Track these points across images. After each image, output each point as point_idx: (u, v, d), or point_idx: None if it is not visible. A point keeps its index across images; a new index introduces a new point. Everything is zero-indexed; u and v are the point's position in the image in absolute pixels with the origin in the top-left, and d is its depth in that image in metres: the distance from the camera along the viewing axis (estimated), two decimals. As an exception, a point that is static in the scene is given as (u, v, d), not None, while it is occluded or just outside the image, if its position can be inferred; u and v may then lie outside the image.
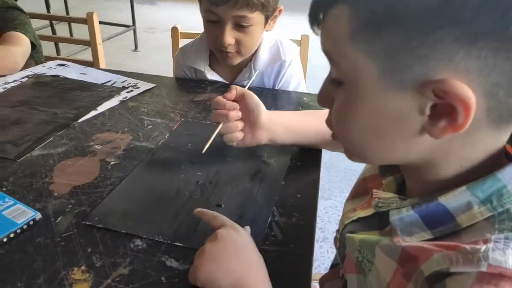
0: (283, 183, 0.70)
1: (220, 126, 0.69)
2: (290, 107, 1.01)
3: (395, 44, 0.33)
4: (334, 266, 0.64)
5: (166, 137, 0.82)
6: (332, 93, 0.41)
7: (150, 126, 0.87)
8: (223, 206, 0.64)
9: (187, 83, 1.11)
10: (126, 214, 0.61)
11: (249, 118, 0.71)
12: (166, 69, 1.24)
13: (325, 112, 0.80)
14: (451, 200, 0.37)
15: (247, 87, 0.74)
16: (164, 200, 0.64)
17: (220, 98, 0.70)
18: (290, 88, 1.12)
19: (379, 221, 0.48)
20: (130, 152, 0.77)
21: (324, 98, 0.43)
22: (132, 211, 0.61)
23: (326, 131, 0.77)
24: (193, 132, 0.85)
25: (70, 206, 0.62)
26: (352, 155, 0.45)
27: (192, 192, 0.67)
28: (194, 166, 0.73)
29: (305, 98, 1.04)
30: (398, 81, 0.34)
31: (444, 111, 0.33)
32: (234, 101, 0.71)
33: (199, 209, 0.56)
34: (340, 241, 0.54)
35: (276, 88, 1.11)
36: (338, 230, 0.57)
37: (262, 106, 0.71)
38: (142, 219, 0.60)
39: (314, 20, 0.40)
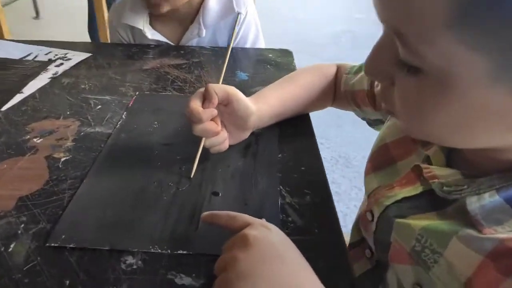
0: (280, 156, 0.60)
1: (203, 141, 0.56)
2: (253, 67, 0.89)
3: None
4: (354, 244, 0.56)
5: (123, 116, 0.67)
6: (393, 73, 0.33)
7: (99, 106, 0.70)
8: (220, 194, 0.53)
9: (129, 49, 0.93)
10: (102, 224, 0.47)
11: (236, 122, 0.59)
12: (80, 39, 1.03)
13: (306, 71, 0.71)
14: None
15: (229, 50, 0.60)
16: (146, 197, 0.51)
17: (199, 109, 0.53)
18: (248, 45, 1.00)
19: (432, 200, 0.41)
20: (82, 142, 0.61)
21: (379, 73, 0.35)
22: (108, 218, 0.48)
23: (307, 100, 0.68)
24: (155, 106, 0.70)
25: (23, 225, 0.47)
26: (417, 137, 0.40)
27: (178, 182, 0.54)
28: (169, 149, 0.60)
29: (270, 55, 0.93)
30: None
31: None
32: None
33: (207, 213, 0.44)
34: (378, 225, 0.46)
35: (232, 46, 0.98)
36: (369, 211, 0.49)
37: (250, 107, 0.58)
38: (125, 227, 0.47)
39: None
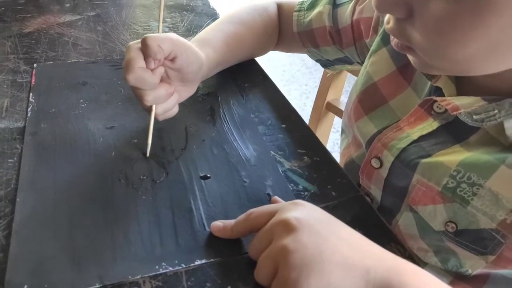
0: (253, 116, 0.51)
1: (154, 108, 0.43)
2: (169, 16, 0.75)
3: None
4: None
5: (31, 100, 0.49)
6: (413, 2, 0.31)
7: (-14, 91, 0.50)
8: (210, 176, 0.42)
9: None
10: (74, 254, 0.34)
11: (184, 77, 0.46)
12: None
13: (246, 10, 0.61)
14: None
15: (160, 26, 0.46)
16: (118, 202, 0.38)
17: (149, 73, 0.41)
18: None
19: (451, 133, 0.40)
20: (-15, 146, 0.43)
21: (396, 5, 0.32)
22: (78, 244, 0.34)
23: (253, 42, 0.59)
24: (71, 80, 0.53)
25: None
26: (438, 70, 0.37)
27: (150, 172, 0.42)
28: (116, 132, 0.46)
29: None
30: None
31: None
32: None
33: (216, 227, 0.36)
34: (392, 171, 0.43)
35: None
36: (375, 158, 0.45)
37: (201, 57, 0.47)
38: (109, 250, 0.34)
39: None
